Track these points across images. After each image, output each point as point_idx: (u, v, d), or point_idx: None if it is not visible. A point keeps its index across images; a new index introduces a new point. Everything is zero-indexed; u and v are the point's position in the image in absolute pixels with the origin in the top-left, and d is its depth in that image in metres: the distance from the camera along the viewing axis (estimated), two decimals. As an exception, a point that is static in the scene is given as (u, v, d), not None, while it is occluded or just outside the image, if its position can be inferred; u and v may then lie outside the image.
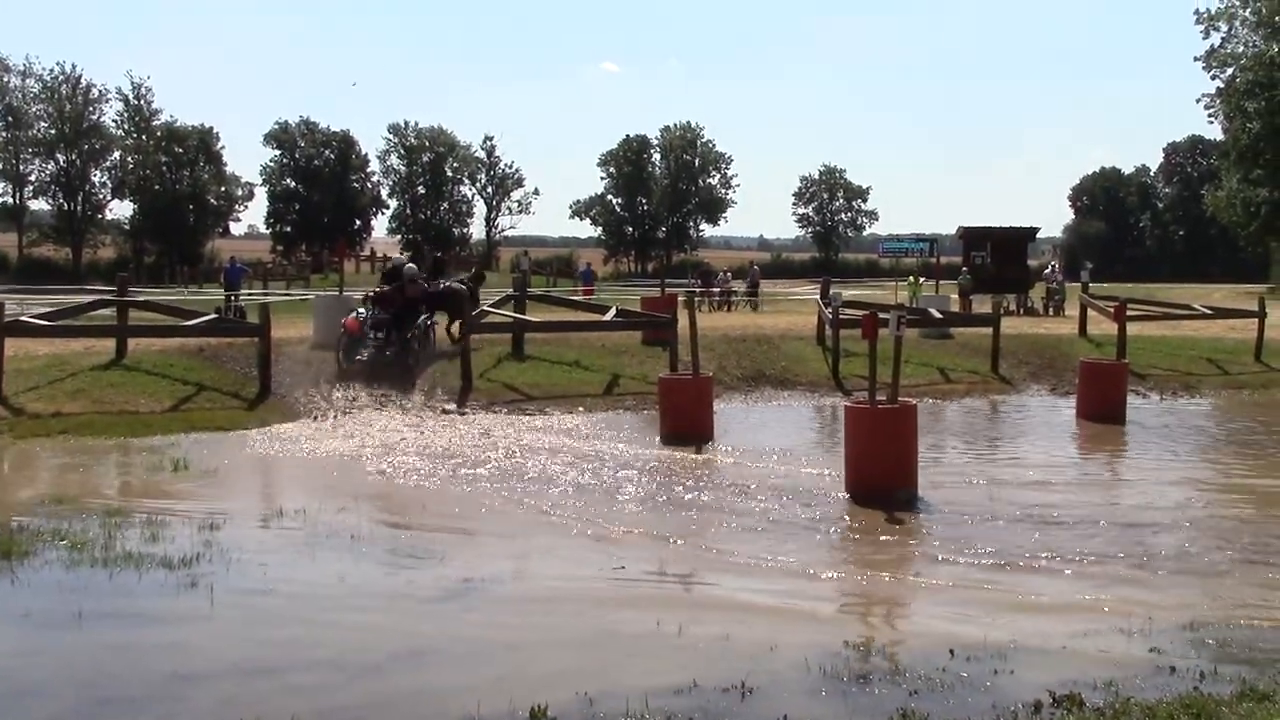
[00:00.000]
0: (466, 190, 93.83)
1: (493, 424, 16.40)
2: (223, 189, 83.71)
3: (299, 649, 7.18)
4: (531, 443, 14.93)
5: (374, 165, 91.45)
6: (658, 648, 7.16)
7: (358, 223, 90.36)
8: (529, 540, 10.04)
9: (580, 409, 17.69)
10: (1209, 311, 27.23)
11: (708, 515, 11.03)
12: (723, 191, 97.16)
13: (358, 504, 11.16)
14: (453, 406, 17.52)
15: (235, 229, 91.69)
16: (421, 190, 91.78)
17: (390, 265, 23.10)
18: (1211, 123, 59.56)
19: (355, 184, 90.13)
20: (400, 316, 19.20)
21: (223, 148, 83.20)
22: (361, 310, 19.42)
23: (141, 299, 25.08)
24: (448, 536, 10.19)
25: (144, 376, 17.93)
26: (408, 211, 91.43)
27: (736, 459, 13.97)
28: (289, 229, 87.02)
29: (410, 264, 20.89)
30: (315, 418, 16.67)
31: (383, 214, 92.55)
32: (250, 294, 36.71)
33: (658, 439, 15.30)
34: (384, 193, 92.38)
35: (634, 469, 13.24)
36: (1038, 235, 48.92)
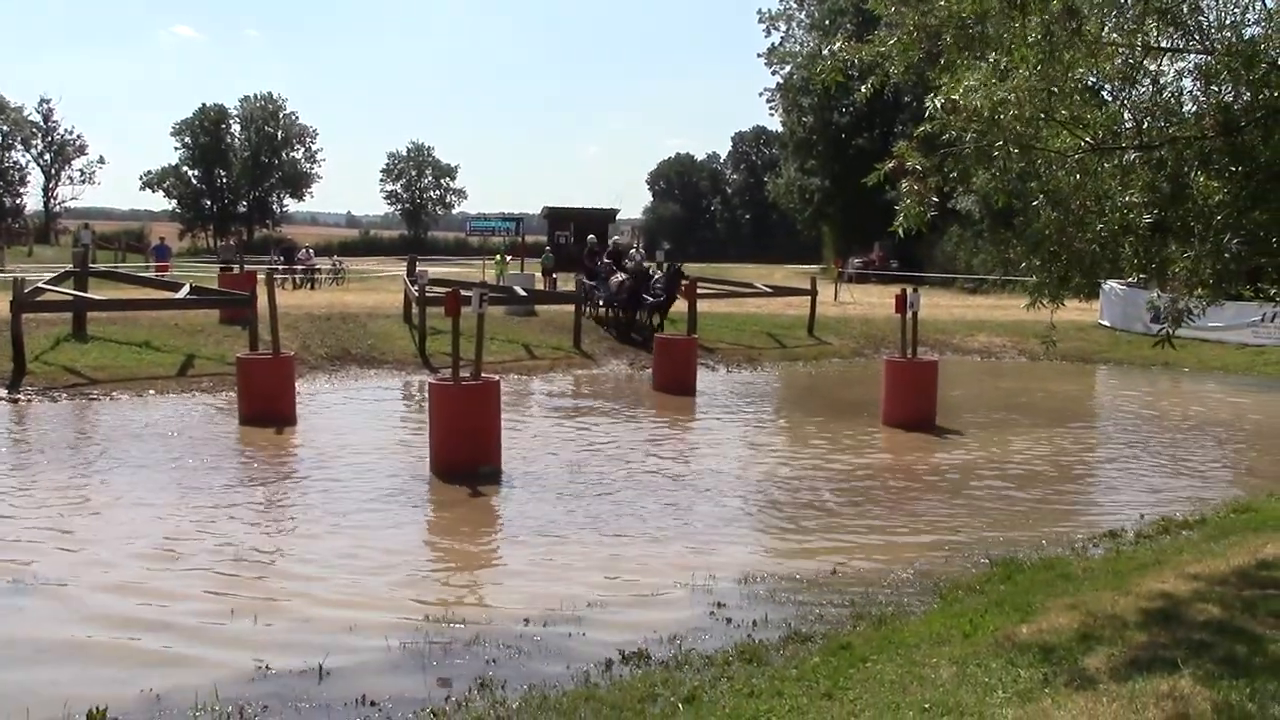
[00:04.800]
0: (20, 157, 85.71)
1: (52, 410, 15.18)
2: None
3: None
4: (109, 426, 14.00)
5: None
6: (233, 636, 6.91)
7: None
8: (89, 528, 9.36)
9: (151, 391, 16.67)
10: (769, 290, 29.40)
11: (287, 497, 10.76)
12: (308, 166, 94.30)
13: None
14: (3, 392, 16.01)
15: None
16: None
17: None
18: (773, 115, 64.00)
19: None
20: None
21: None
22: None
23: None
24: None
25: None
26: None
27: (319, 439, 13.67)
28: None
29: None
30: None
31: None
32: None
33: (236, 421, 14.70)
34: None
35: (210, 453, 12.68)
36: (618, 216, 50.87)
